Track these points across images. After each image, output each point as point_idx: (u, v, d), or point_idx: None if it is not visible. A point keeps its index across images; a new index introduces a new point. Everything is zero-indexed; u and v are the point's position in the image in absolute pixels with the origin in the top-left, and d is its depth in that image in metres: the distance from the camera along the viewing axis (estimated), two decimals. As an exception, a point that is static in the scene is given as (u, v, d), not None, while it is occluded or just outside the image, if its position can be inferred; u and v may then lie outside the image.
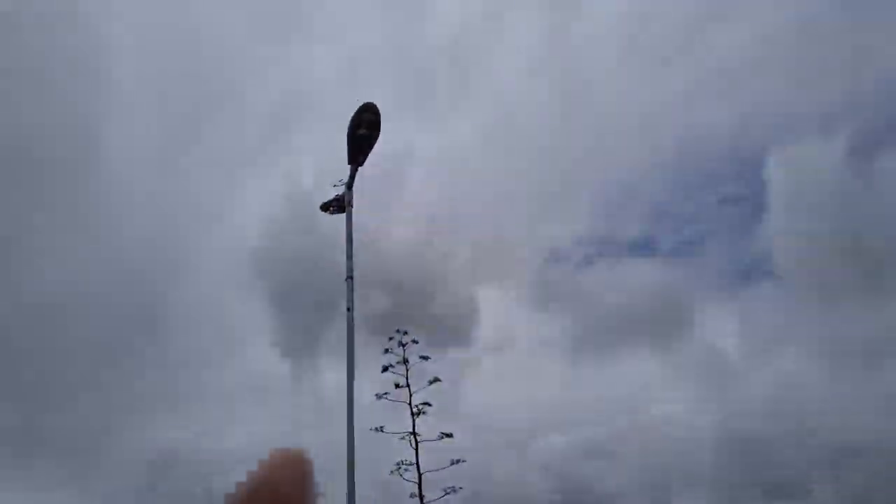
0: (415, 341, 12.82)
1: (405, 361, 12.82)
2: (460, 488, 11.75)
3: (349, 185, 7.30)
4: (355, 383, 6.25)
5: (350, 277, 6.92)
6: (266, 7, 53.16)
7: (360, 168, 7.31)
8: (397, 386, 12.64)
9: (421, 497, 12.07)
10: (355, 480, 6.38)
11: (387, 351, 12.65)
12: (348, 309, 6.75)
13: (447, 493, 11.85)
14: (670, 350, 46.86)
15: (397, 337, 12.89)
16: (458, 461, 11.96)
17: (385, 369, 12.43)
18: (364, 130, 6.64)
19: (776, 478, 31.70)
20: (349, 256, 7.07)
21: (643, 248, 59.12)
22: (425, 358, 12.67)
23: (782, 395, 37.34)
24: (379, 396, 12.06)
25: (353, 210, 7.36)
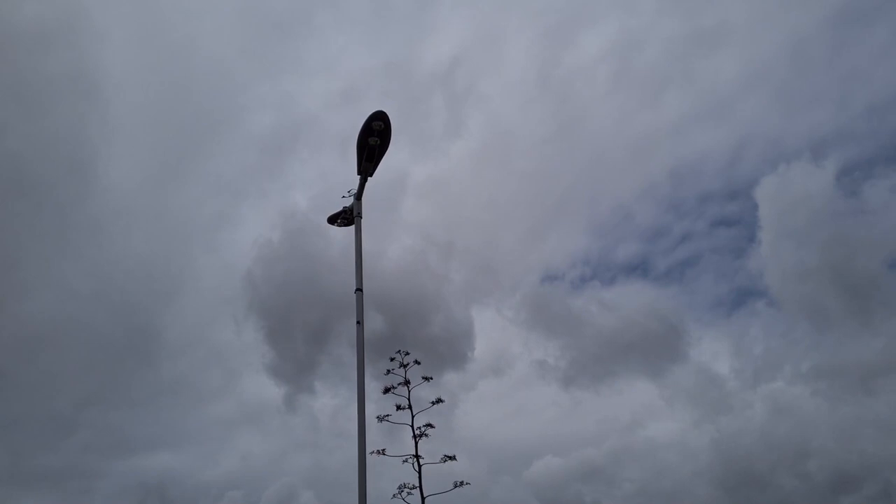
0: (417, 362, 12.61)
1: (407, 383, 12.59)
2: (465, 512, 11.46)
3: (358, 196, 7.18)
4: (357, 403, 6.07)
5: (359, 290, 6.77)
6: (262, 34, 53.60)
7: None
8: (399, 408, 12.39)
9: (425, 522, 11.77)
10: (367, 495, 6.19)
11: (388, 372, 12.42)
12: (358, 322, 6.60)
13: (452, 517, 11.55)
14: (665, 372, 46.71)
15: (398, 358, 12.68)
16: (461, 484, 11.68)
17: (387, 391, 12.19)
18: (374, 140, 6.54)
19: (771, 500, 31.40)
20: (358, 268, 6.92)
21: (637, 269, 59.30)
22: (428, 379, 12.45)
23: (777, 418, 37.20)
24: (380, 419, 11.79)
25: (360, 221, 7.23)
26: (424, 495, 12.01)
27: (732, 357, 47.88)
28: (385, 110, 6.42)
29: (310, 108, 56.45)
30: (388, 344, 14.02)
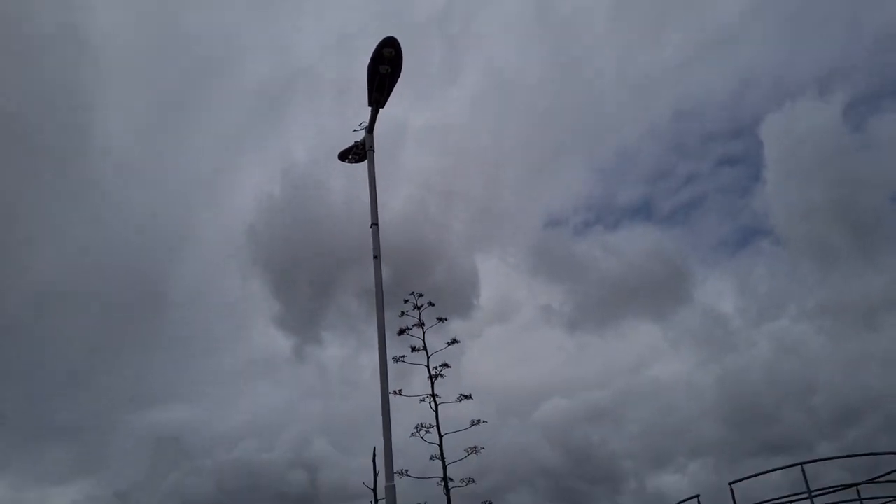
0: (431, 304, 12.61)
1: (421, 325, 12.62)
2: (482, 448, 11.60)
3: (370, 129, 7.01)
4: (378, 340, 6.02)
5: (375, 224, 6.66)
6: (254, -17, 52.27)
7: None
8: (414, 349, 12.45)
9: (443, 458, 11.94)
10: (391, 438, 6.19)
11: (403, 314, 12.45)
12: (375, 256, 6.51)
13: (469, 454, 11.71)
14: (670, 314, 46.97)
15: (412, 300, 12.68)
16: (478, 422, 11.80)
17: (402, 332, 12.23)
18: (385, 68, 6.33)
19: (777, 437, 31.96)
20: (373, 203, 6.81)
21: (641, 212, 59.10)
22: (443, 320, 12.47)
23: (782, 356, 37.54)
24: (396, 360, 11.84)
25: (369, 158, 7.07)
26: (442, 433, 12.18)
27: (737, 296, 48.07)
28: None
29: (305, 57, 55.41)
30: (393, 294, 14.02)
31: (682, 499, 12.98)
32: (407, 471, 11.45)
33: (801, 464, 9.10)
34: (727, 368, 38.57)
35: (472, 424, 11.93)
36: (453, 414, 12.58)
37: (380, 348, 5.82)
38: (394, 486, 5.53)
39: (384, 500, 11.39)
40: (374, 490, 14.77)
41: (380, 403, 5.91)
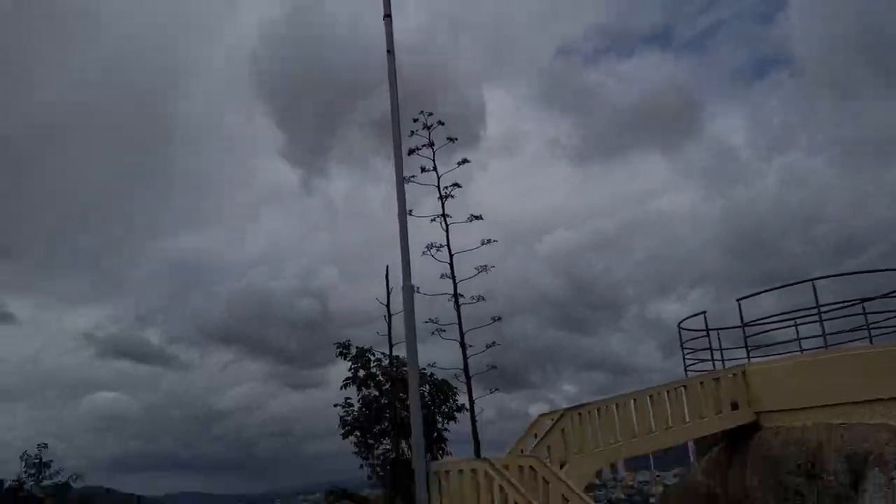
0: (441, 122, 12.22)
1: (431, 144, 12.31)
2: (492, 267, 11.74)
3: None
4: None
5: (388, 16, 6.15)
6: None
7: None
8: (423, 170, 12.23)
9: (453, 276, 12.11)
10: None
11: (412, 133, 12.11)
12: (389, 51, 6.07)
13: (479, 272, 11.86)
14: (680, 146, 46.53)
15: (422, 119, 12.28)
16: (489, 241, 11.85)
17: (411, 152, 11.95)
18: None
19: (779, 268, 32.69)
20: (386, -8, 6.23)
21: (657, 39, 56.61)
22: (453, 140, 12.14)
23: (791, 189, 37.52)
24: (406, 180, 11.66)
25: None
26: (452, 252, 12.29)
27: (749, 129, 47.52)
28: None
29: None
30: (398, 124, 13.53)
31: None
32: (419, 288, 11.66)
33: (812, 280, 9.18)
34: (734, 201, 38.88)
35: (483, 244, 12.01)
36: (462, 241, 12.62)
37: (394, 139, 5.59)
38: (411, 286, 5.48)
39: (399, 314, 11.46)
40: (388, 305, 15.21)
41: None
